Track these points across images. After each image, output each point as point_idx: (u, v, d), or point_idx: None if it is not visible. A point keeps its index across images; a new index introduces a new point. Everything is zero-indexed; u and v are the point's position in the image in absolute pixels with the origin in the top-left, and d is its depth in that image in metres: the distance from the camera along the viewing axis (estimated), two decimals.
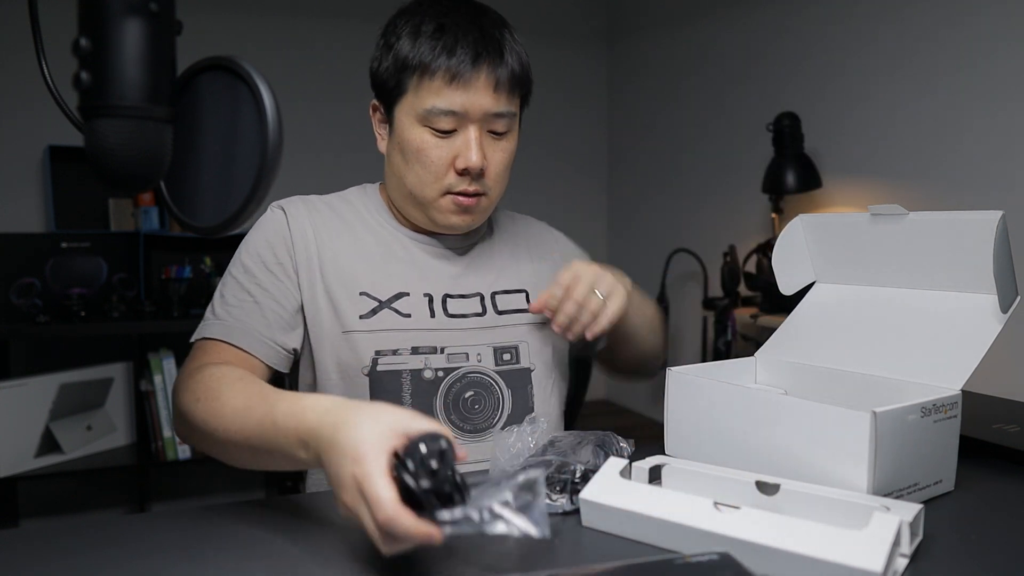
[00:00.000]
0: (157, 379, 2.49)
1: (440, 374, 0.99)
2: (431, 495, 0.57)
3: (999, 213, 0.81)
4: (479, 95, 0.94)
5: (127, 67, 0.55)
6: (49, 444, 2.41)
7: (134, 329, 2.44)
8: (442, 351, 1.00)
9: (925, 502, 0.75)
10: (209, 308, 0.98)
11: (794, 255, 1.02)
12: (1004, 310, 0.81)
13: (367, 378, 0.97)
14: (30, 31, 0.58)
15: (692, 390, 0.87)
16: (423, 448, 0.58)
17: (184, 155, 0.61)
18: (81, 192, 2.61)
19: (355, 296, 0.99)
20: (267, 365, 0.95)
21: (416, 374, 0.98)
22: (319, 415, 0.66)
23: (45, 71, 0.59)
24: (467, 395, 1.00)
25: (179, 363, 2.52)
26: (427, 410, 0.97)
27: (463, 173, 0.96)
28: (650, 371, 1.20)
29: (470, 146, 0.94)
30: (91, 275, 2.54)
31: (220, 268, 2.67)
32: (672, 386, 0.89)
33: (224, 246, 2.70)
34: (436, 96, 0.93)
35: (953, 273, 0.86)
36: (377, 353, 0.98)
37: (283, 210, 1.01)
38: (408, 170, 0.98)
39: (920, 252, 0.89)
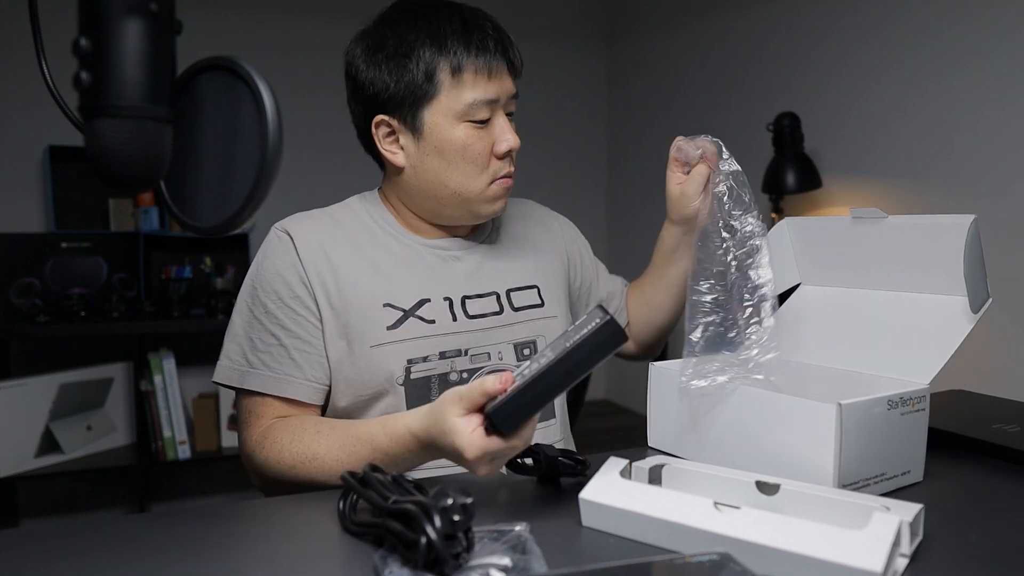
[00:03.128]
0: (157, 379, 2.49)
1: (465, 375, 1.00)
2: (445, 543, 0.57)
3: (971, 217, 0.84)
4: (505, 80, 1.00)
5: (127, 67, 0.55)
6: (49, 444, 2.41)
7: (134, 329, 2.44)
8: (466, 353, 1.01)
9: (891, 492, 0.77)
10: (235, 348, 1.00)
11: (780, 257, 1.03)
12: (975, 311, 0.84)
13: (402, 388, 0.97)
14: (30, 31, 0.58)
15: (672, 383, 0.90)
16: (450, 500, 0.59)
17: (184, 155, 0.61)
18: (81, 192, 2.60)
19: (379, 308, 0.98)
20: (311, 404, 0.99)
21: (443, 378, 0.99)
22: (410, 427, 0.80)
23: (45, 71, 0.59)
24: None
25: (179, 363, 2.53)
26: None
27: (504, 156, 1.00)
28: (662, 340, 1.26)
29: (507, 129, 1.00)
30: (91, 275, 2.54)
31: (220, 268, 2.67)
32: (654, 380, 0.93)
33: (224, 246, 2.71)
34: (475, 89, 0.97)
35: (928, 275, 0.89)
36: (409, 362, 0.98)
37: (288, 235, 1.00)
38: (452, 170, 0.98)
39: (898, 255, 0.92)
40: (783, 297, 1.03)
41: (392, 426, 0.82)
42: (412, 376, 0.98)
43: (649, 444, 0.95)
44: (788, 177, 2.28)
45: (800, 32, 2.50)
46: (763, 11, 2.65)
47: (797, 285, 1.05)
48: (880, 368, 0.87)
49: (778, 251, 1.03)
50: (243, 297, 1.02)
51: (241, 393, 0.99)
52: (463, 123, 0.97)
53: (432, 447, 0.78)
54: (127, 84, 0.55)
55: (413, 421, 0.80)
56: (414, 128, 0.98)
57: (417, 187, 1.01)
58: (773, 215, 2.44)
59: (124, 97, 0.55)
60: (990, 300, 0.86)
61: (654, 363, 0.93)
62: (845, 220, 0.95)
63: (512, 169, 1.02)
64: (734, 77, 2.80)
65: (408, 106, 0.97)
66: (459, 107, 0.96)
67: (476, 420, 0.71)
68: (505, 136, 0.99)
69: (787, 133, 2.28)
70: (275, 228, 1.02)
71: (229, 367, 0.99)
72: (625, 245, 3.49)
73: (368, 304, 0.98)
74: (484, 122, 0.98)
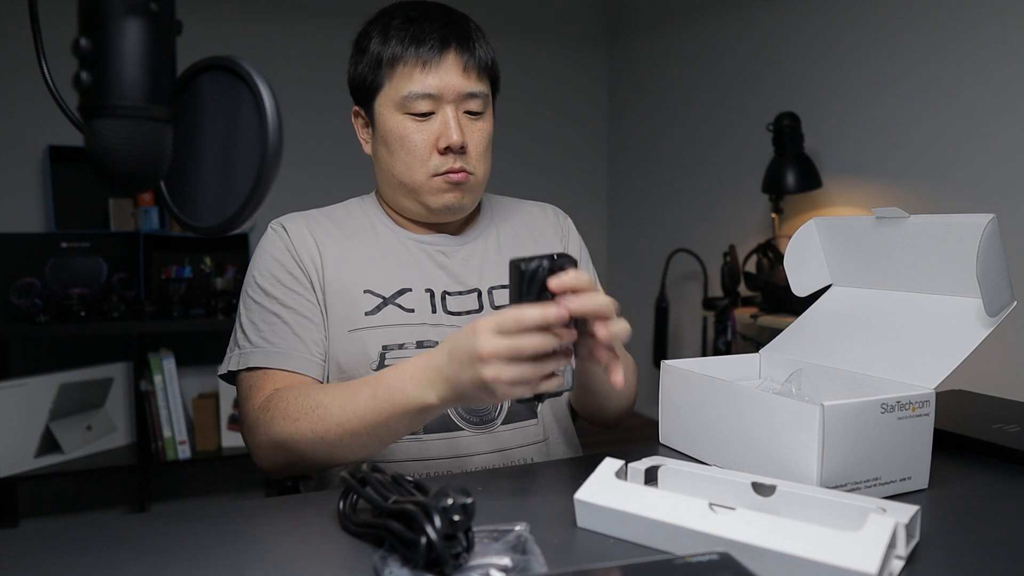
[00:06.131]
0: (157, 379, 2.49)
1: None
2: (445, 544, 0.57)
3: (989, 216, 0.81)
4: (450, 76, 0.99)
5: (127, 67, 0.55)
6: (49, 444, 2.42)
7: (134, 329, 2.44)
8: None
9: (892, 496, 0.77)
10: (240, 336, 1.01)
11: (807, 257, 1.03)
12: (992, 314, 0.81)
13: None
14: (30, 31, 0.58)
15: (680, 381, 0.93)
16: (450, 500, 0.59)
17: (184, 155, 0.61)
18: (81, 192, 2.61)
19: (359, 295, 1.01)
20: (312, 378, 0.98)
21: None
22: (424, 358, 0.78)
23: (45, 71, 0.59)
24: None
25: (179, 363, 2.53)
26: None
27: (446, 152, 1.00)
28: (616, 420, 1.12)
29: (449, 125, 0.99)
30: (91, 275, 2.54)
31: (220, 268, 2.67)
32: (665, 377, 0.96)
33: (224, 246, 2.71)
34: (410, 81, 0.99)
35: (948, 277, 0.87)
36: (384, 348, 1.00)
37: (283, 227, 1.05)
38: (395, 160, 1.02)
39: (920, 255, 0.90)
40: (798, 298, 1.04)
41: (404, 360, 0.82)
42: (386, 362, 0.99)
43: (660, 441, 0.97)
44: (788, 177, 2.29)
45: (800, 32, 2.50)
46: (763, 11, 2.65)
47: (828, 286, 1.04)
48: (893, 372, 0.86)
49: (808, 251, 1.03)
50: (244, 290, 1.05)
51: (243, 373, 0.99)
52: (402, 114, 1.00)
53: (440, 359, 0.75)
54: (127, 84, 0.55)
55: (419, 358, 0.79)
56: (370, 117, 1.05)
57: (379, 175, 1.07)
58: (773, 215, 2.44)
59: (124, 97, 0.55)
60: (1014, 304, 0.82)
61: (666, 361, 0.96)
62: (870, 219, 0.95)
63: (459, 165, 1.00)
64: (734, 77, 2.80)
65: (363, 96, 1.05)
66: (397, 98, 1.00)
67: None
68: (447, 132, 0.99)
69: (787, 133, 2.28)
70: (271, 224, 1.07)
71: (237, 354, 0.99)
72: (625, 245, 3.49)
73: (349, 290, 1.01)
74: (427, 115, 1.00)
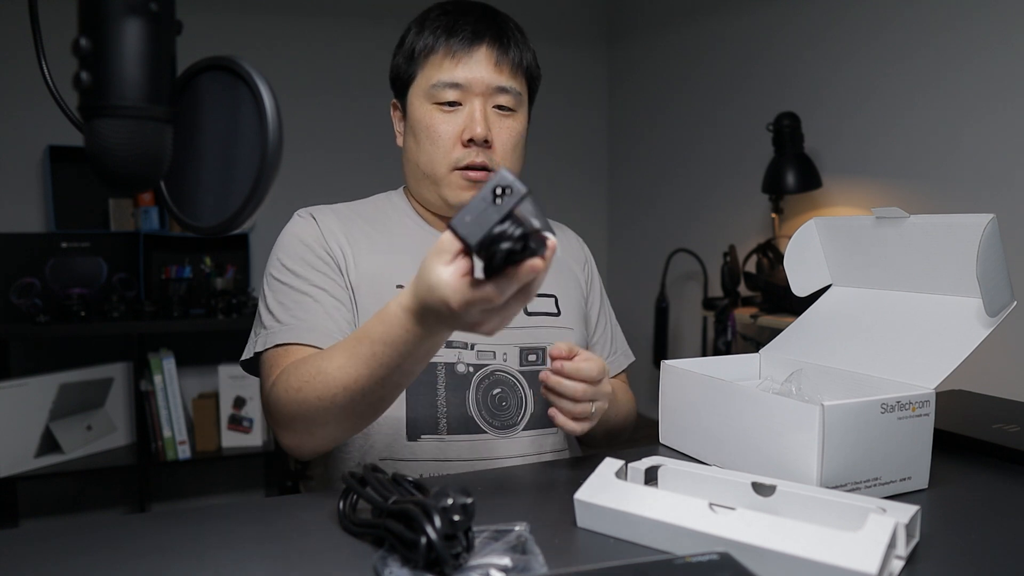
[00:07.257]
0: (157, 379, 2.49)
1: (471, 369, 1.01)
2: (445, 544, 0.57)
3: (989, 216, 0.81)
4: (480, 68, 0.99)
5: (127, 67, 0.55)
6: (49, 444, 2.42)
7: (134, 329, 2.44)
8: (472, 347, 1.01)
9: (892, 496, 0.77)
10: (266, 317, 0.97)
11: (808, 257, 1.03)
12: (992, 314, 0.81)
13: None
14: (30, 31, 0.58)
15: (680, 381, 0.93)
16: (450, 500, 0.59)
17: (184, 155, 0.61)
18: (81, 192, 2.61)
19: (392, 290, 1.00)
20: None
21: (450, 367, 1.00)
22: (401, 302, 0.73)
23: (45, 71, 0.59)
24: (495, 392, 1.01)
25: (179, 363, 2.53)
26: (461, 403, 0.99)
27: (469, 144, 0.99)
28: (609, 443, 1.16)
29: (474, 117, 0.99)
30: (91, 275, 2.54)
31: (220, 268, 2.67)
32: (665, 377, 0.96)
33: (224, 246, 2.71)
34: (439, 71, 0.99)
35: (948, 277, 0.87)
36: None
37: (312, 216, 1.04)
38: (420, 150, 1.02)
39: (920, 255, 0.90)
40: (798, 298, 1.04)
41: (384, 311, 0.76)
42: None
43: (660, 441, 0.97)
44: (788, 177, 2.29)
45: (800, 32, 2.50)
46: (763, 11, 2.65)
47: (828, 286, 1.05)
48: (893, 372, 0.86)
49: (808, 251, 1.03)
50: (268, 273, 1.01)
51: (266, 354, 0.95)
52: (431, 104, 1.01)
53: (424, 313, 0.70)
54: (127, 84, 0.55)
55: (403, 295, 0.74)
56: (405, 108, 1.05)
57: (406, 167, 1.07)
58: (773, 215, 2.44)
59: (124, 97, 0.55)
60: (1014, 304, 0.82)
61: (666, 361, 0.96)
62: (869, 219, 0.95)
63: (481, 160, 0.99)
64: (734, 77, 2.80)
65: (400, 87, 1.06)
66: (426, 87, 1.01)
67: (463, 266, 0.64)
68: (471, 124, 0.98)
69: (787, 133, 2.28)
70: (297, 212, 1.05)
71: (263, 335, 0.95)
72: (625, 245, 3.49)
73: (381, 284, 1.00)
74: (453, 106, 1.00)
